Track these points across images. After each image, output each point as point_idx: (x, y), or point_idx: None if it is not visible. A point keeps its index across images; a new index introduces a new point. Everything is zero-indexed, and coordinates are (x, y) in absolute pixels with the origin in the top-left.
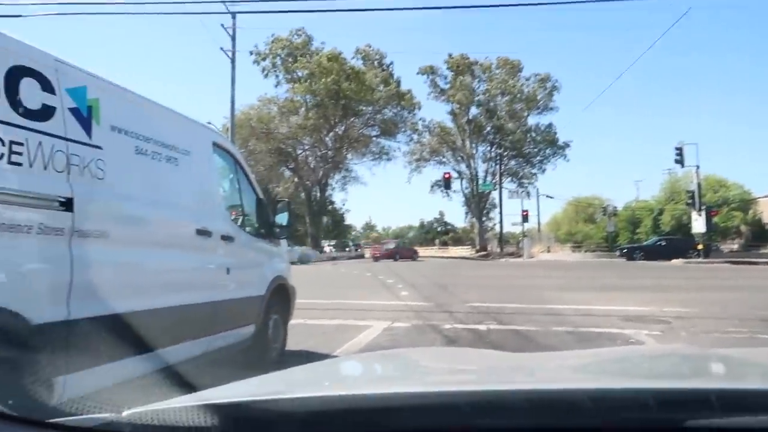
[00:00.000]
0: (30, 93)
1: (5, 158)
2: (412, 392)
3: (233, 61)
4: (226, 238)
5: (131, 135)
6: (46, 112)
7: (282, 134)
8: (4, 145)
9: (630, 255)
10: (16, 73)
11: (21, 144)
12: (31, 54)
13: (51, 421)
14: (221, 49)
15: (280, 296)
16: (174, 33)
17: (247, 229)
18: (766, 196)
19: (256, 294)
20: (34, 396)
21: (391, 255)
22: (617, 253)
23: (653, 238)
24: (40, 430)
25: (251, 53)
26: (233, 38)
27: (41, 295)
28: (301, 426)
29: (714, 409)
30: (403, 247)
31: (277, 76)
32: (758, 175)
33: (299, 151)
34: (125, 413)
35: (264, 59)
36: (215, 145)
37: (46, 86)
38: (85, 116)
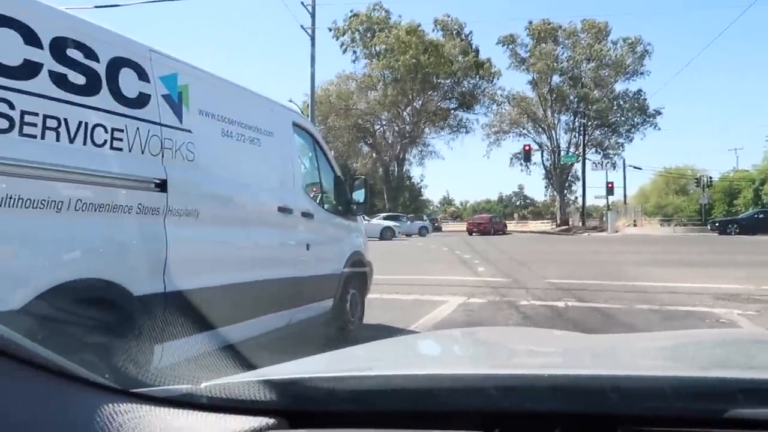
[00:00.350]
0: (128, 82)
1: (108, 144)
2: (480, 374)
3: (313, 38)
4: (306, 215)
5: (217, 118)
6: (142, 100)
7: (360, 110)
8: (106, 131)
9: (723, 229)
10: (115, 65)
11: (121, 130)
12: (127, 45)
13: (134, 390)
14: (302, 27)
15: (358, 271)
16: (255, 12)
17: (326, 206)
18: None
19: (335, 269)
20: (127, 365)
21: (485, 228)
22: (708, 226)
23: (750, 211)
24: (125, 398)
25: (330, 30)
26: (312, 15)
27: (141, 270)
28: (356, 403)
29: (738, 402)
30: (496, 222)
31: (354, 52)
32: None
33: (377, 127)
34: (203, 385)
35: (343, 34)
36: (295, 124)
37: (142, 75)
38: (176, 102)
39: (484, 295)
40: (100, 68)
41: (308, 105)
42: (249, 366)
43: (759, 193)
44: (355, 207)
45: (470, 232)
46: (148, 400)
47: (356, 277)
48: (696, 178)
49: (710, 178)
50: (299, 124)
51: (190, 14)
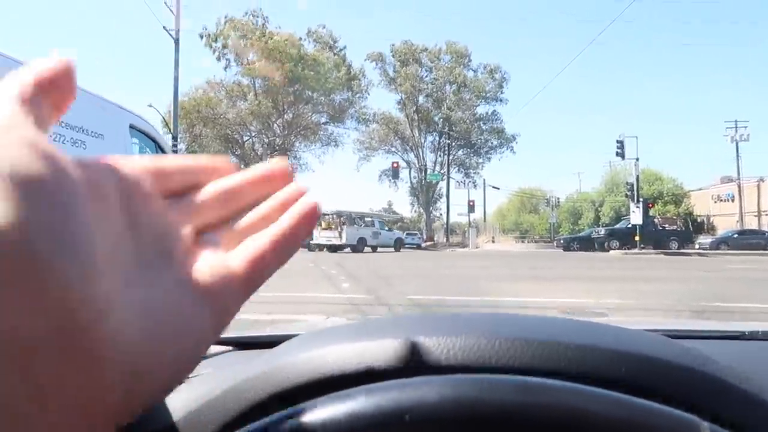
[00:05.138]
0: None
1: None
2: None
3: (177, 41)
4: None
5: None
6: None
7: (229, 120)
8: None
9: (567, 246)
10: None
11: None
12: None
13: None
14: (164, 28)
15: None
16: (120, 15)
17: None
18: (698, 190)
19: None
20: None
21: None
22: (555, 244)
23: (587, 230)
24: None
25: (201, 36)
26: (177, 16)
27: None
28: None
29: None
30: None
31: (227, 59)
32: (690, 169)
33: (245, 138)
34: None
35: (215, 40)
36: (132, 127)
37: None
38: None
39: (345, 312)
40: None
41: (171, 112)
42: None
43: (598, 214)
44: None
45: None
46: None
47: None
48: (546, 199)
49: (557, 198)
50: (138, 126)
51: (41, 12)
